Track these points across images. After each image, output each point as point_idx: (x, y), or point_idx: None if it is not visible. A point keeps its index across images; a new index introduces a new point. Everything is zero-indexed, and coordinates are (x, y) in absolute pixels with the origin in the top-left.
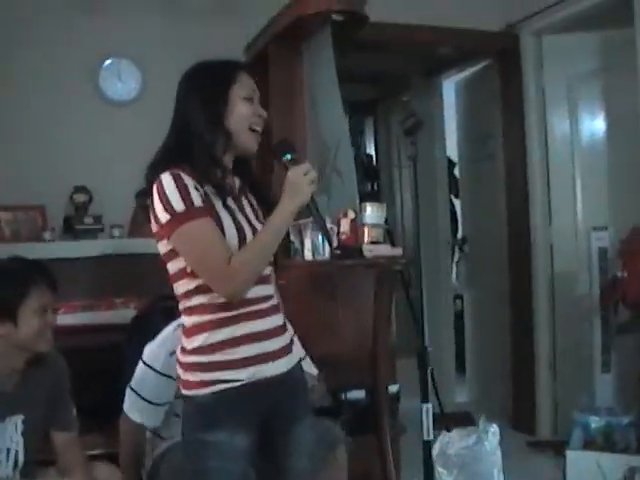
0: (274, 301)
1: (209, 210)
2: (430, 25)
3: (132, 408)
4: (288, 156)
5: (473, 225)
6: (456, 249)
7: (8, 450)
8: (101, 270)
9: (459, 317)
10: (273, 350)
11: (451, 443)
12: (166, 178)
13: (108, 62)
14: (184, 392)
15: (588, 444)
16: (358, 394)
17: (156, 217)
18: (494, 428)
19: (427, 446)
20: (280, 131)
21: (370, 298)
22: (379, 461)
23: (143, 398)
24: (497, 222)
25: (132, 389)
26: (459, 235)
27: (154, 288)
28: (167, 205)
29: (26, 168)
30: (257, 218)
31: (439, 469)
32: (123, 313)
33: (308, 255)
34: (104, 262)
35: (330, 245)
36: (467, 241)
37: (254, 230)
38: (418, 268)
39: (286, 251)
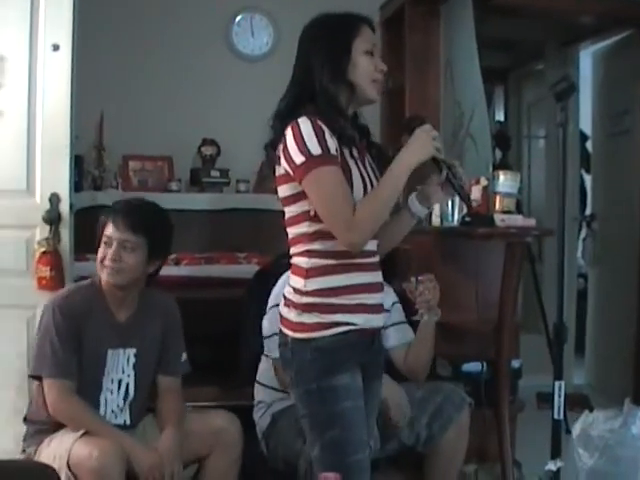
0: (378, 258)
1: (340, 160)
2: None
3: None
4: None
5: (604, 202)
6: (583, 226)
7: (120, 381)
8: (225, 224)
9: (581, 296)
10: (379, 303)
11: (595, 424)
12: (304, 122)
13: (240, 17)
14: (297, 335)
15: None
16: (478, 367)
17: (288, 158)
18: None
19: (557, 425)
20: (414, 93)
21: (497, 269)
22: (495, 437)
23: None
24: (630, 200)
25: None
26: (587, 211)
27: (276, 245)
28: (303, 147)
29: (156, 120)
30: (373, 171)
31: (580, 450)
32: (245, 268)
33: (436, 221)
34: (228, 216)
35: (469, 207)
36: (596, 218)
37: (372, 183)
38: (561, 242)
39: None
